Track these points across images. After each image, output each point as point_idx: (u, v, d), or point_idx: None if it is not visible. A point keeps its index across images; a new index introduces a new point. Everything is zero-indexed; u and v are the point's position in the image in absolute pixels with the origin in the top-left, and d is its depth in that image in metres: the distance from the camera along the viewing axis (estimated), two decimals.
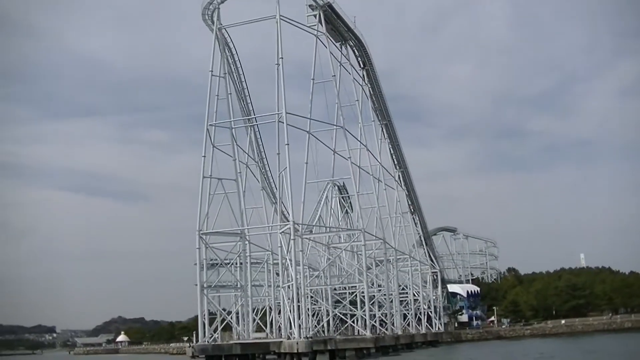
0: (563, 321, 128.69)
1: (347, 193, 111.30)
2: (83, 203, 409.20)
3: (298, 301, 70.31)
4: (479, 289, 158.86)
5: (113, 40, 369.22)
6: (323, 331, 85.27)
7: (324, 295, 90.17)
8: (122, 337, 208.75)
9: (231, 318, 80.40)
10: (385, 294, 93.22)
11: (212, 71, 78.58)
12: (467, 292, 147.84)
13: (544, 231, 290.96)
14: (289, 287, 73.95)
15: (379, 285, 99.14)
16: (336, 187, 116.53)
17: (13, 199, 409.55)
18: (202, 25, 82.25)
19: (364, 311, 77.10)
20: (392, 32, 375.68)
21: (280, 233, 72.74)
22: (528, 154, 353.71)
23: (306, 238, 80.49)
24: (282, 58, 74.51)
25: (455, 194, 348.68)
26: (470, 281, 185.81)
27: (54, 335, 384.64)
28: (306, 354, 67.23)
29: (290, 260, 70.73)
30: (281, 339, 71.04)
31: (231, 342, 73.90)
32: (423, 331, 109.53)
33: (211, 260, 76.49)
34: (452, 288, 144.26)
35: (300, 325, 69.12)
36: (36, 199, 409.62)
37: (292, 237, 70.24)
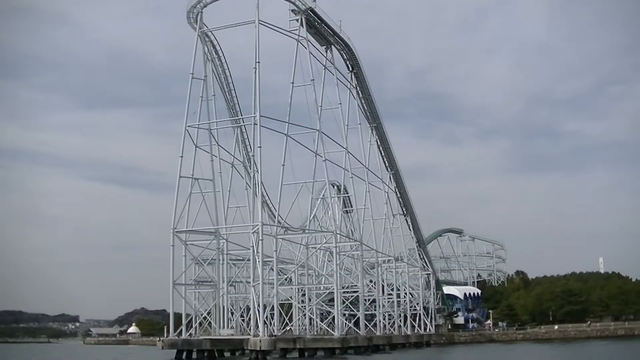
0: (556, 327, 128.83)
1: (347, 193, 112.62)
2: (114, 194, 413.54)
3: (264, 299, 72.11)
4: (479, 291, 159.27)
5: (150, 31, 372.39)
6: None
7: (309, 295, 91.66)
8: (133, 329, 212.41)
9: (209, 315, 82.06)
10: (364, 295, 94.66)
11: (192, 73, 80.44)
12: (465, 294, 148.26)
13: (568, 234, 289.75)
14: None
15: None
16: (335, 188, 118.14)
17: (45, 188, 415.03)
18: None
19: (339, 310, 78.83)
20: (429, 29, 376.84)
21: (252, 233, 74.40)
22: (560, 155, 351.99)
23: (281, 238, 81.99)
24: (259, 62, 76.18)
25: (484, 193, 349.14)
26: (476, 283, 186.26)
27: (77, 324, 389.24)
28: (270, 351, 69.14)
29: (258, 259, 72.26)
30: (248, 337, 72.68)
31: (201, 337, 75.44)
32: (408, 333, 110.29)
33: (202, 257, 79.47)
34: (448, 290, 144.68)
35: (265, 323, 70.88)
36: (68, 189, 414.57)
37: (260, 238, 71.99)
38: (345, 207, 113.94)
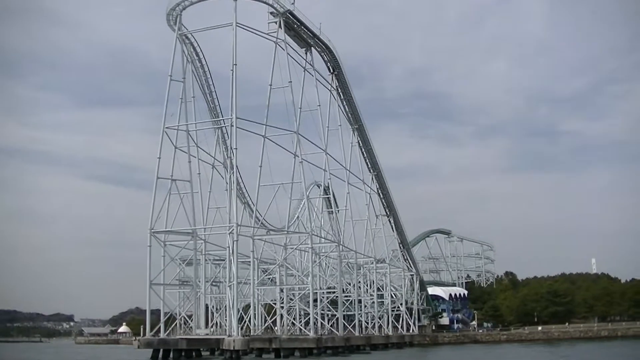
0: (540, 327, 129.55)
1: (330, 195, 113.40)
2: (111, 192, 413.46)
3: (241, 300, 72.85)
4: (465, 292, 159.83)
5: (147, 30, 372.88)
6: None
7: (288, 295, 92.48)
8: (123, 328, 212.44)
9: (186, 314, 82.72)
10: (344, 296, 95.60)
11: (171, 75, 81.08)
12: (451, 295, 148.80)
13: (564, 234, 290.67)
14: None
15: (344, 289, 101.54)
16: (321, 188, 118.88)
17: (41, 186, 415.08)
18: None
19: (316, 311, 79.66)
20: (429, 29, 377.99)
21: (229, 234, 75.07)
22: (559, 154, 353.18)
23: (258, 239, 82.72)
24: (235, 65, 76.84)
25: (481, 192, 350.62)
26: (464, 284, 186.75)
27: (71, 324, 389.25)
28: (244, 351, 69.81)
29: (233, 258, 72.99)
30: (224, 336, 73.39)
31: (177, 337, 76.06)
32: (390, 333, 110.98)
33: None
34: (434, 291, 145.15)
35: (243, 323, 71.74)
36: (64, 187, 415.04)
37: (234, 238, 72.68)
38: (329, 208, 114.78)
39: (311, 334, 77.61)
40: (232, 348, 68.53)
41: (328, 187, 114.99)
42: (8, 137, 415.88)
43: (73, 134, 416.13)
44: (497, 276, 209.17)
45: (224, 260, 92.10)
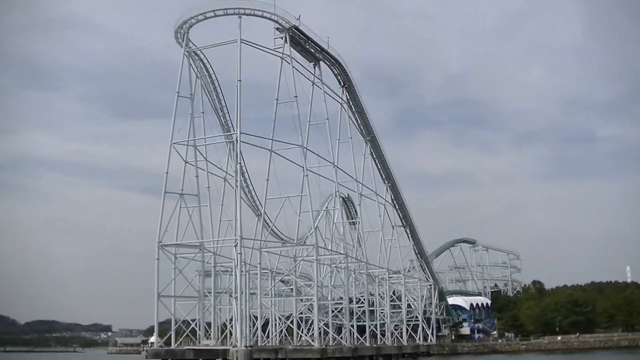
0: (559, 337, 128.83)
1: (353, 204, 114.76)
2: (149, 203, 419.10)
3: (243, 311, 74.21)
4: (489, 301, 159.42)
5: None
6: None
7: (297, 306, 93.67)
8: (153, 338, 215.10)
9: (196, 326, 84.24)
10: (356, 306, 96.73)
11: (178, 92, 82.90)
12: (472, 304, 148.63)
13: (600, 241, 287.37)
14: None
15: (357, 300, 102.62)
16: (340, 199, 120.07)
17: (81, 197, 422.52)
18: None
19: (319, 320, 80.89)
20: (466, 35, 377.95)
21: (234, 246, 76.48)
22: (596, 160, 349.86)
23: (265, 251, 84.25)
24: (240, 80, 78.32)
25: (519, 200, 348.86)
26: (489, 293, 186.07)
27: (109, 334, 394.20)
28: None
29: (236, 270, 74.39)
30: (228, 347, 74.80)
31: (184, 348, 77.69)
32: (404, 343, 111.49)
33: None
34: (454, 300, 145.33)
35: (243, 334, 73.02)
36: (103, 199, 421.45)
37: (238, 251, 74.08)
38: (349, 219, 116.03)
39: (315, 345, 78.63)
40: (235, 359, 69.85)
41: (348, 197, 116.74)
42: (48, 150, 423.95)
43: (111, 145, 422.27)
44: (524, 285, 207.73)
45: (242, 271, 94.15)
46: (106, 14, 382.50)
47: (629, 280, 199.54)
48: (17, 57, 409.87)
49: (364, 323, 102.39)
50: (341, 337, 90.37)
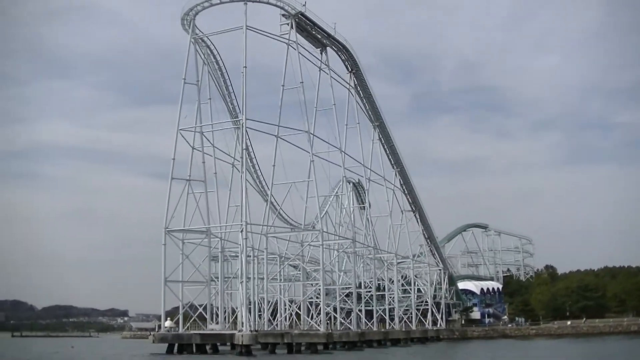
0: (569, 322, 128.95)
1: (364, 189, 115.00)
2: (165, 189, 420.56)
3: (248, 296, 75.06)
4: (500, 286, 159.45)
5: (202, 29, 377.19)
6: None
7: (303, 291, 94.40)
8: (168, 323, 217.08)
9: (204, 310, 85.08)
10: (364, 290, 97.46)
11: (184, 78, 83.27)
12: (482, 289, 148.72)
13: (615, 226, 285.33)
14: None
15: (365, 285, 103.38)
16: (351, 184, 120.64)
17: (100, 185, 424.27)
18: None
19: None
20: (481, 21, 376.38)
21: (240, 232, 77.07)
22: (613, 147, 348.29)
23: (272, 236, 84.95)
24: (245, 67, 78.66)
25: (534, 186, 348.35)
26: (502, 278, 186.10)
27: (125, 318, 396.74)
28: (252, 345, 71.83)
29: (242, 256, 75.07)
30: (235, 331, 75.55)
31: (190, 332, 78.60)
32: (414, 328, 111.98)
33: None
34: (465, 285, 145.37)
35: (249, 319, 73.89)
36: (124, 185, 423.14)
37: (244, 236, 74.66)
38: (360, 204, 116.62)
39: (321, 329, 79.28)
40: (241, 343, 70.61)
41: (359, 183, 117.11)
42: (67, 138, 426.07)
43: (131, 132, 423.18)
44: (537, 270, 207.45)
45: (249, 257, 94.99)
46: (120, 0, 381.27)
47: None
48: (31, 46, 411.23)
49: (371, 308, 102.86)
50: (349, 322, 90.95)
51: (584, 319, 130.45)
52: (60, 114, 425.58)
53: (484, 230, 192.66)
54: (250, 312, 78.91)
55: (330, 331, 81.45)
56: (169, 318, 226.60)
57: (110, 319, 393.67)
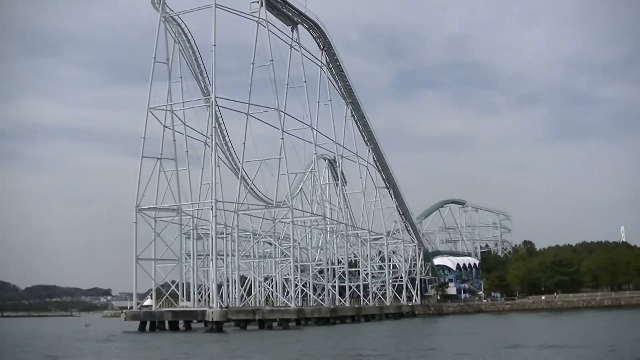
0: (543, 297, 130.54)
1: (339, 166, 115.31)
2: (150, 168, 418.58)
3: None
4: (476, 261, 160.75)
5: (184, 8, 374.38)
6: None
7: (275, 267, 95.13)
8: (148, 302, 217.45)
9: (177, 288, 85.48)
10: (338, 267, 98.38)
11: (155, 57, 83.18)
12: (458, 265, 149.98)
13: (597, 201, 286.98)
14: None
15: (339, 261, 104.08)
16: (327, 161, 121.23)
17: (81, 163, 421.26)
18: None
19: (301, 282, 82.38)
20: None
21: (210, 209, 77.47)
22: (598, 122, 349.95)
23: (243, 213, 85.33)
24: (215, 45, 78.75)
25: (520, 161, 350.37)
26: (480, 254, 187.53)
27: (108, 297, 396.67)
28: (223, 322, 72.46)
29: (212, 233, 75.57)
30: (206, 308, 76.13)
31: (162, 309, 79.14)
32: (387, 304, 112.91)
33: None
34: (441, 261, 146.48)
35: (221, 295, 74.49)
36: (103, 164, 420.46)
37: (214, 214, 75.06)
38: (336, 181, 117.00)
39: (292, 305, 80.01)
40: (211, 319, 71.21)
41: (334, 160, 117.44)
42: (49, 116, 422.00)
43: (113, 110, 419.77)
44: (515, 245, 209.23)
45: (221, 234, 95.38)
46: None
47: (623, 240, 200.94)
48: (17, 25, 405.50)
49: (344, 284, 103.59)
50: (321, 299, 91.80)
51: (555, 294, 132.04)
52: (44, 91, 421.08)
53: (461, 206, 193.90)
54: (222, 289, 79.54)
55: (302, 307, 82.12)
56: (149, 297, 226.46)
57: (93, 298, 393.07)
